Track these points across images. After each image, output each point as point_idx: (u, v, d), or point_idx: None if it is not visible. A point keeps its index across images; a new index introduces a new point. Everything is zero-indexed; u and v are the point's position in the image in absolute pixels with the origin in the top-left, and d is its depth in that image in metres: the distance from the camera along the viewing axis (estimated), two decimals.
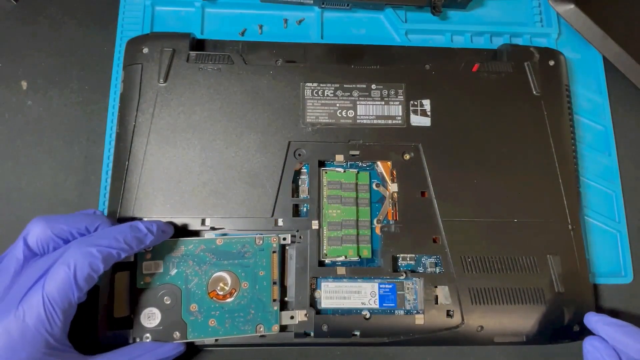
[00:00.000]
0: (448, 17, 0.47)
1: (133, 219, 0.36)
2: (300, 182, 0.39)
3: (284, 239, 0.36)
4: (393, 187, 0.39)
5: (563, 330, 0.37)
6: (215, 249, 0.35)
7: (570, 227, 0.38)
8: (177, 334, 0.33)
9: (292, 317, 0.35)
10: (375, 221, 0.38)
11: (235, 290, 0.35)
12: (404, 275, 0.37)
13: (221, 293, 0.34)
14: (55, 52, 0.43)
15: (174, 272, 0.34)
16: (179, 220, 0.36)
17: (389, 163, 0.39)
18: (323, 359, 0.38)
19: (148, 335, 0.33)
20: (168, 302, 0.34)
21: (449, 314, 0.36)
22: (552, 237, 0.38)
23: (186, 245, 0.35)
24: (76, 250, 0.28)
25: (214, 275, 0.35)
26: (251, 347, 0.37)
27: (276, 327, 0.34)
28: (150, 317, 0.34)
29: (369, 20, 0.46)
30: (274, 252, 0.35)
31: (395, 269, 0.37)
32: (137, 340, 0.34)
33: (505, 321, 0.36)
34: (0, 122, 0.42)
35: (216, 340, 0.35)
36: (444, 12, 0.46)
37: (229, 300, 0.34)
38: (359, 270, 0.37)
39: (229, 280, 0.35)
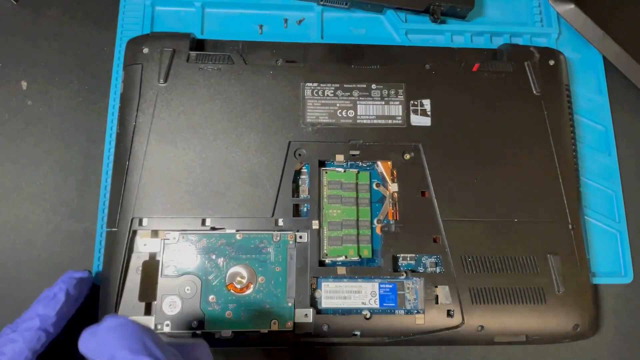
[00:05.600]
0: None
1: (133, 219, 0.36)
2: (300, 182, 0.39)
3: (300, 237, 0.37)
4: (393, 187, 0.39)
5: (563, 330, 0.37)
6: (235, 243, 0.36)
7: (570, 226, 0.38)
8: (195, 324, 0.34)
9: (306, 315, 0.35)
10: (375, 221, 0.38)
11: (252, 284, 0.35)
12: (404, 275, 0.37)
13: (238, 286, 0.35)
14: (55, 52, 0.43)
15: (195, 263, 0.36)
16: (179, 220, 0.36)
17: (389, 163, 0.39)
18: (323, 359, 0.38)
19: (168, 322, 0.34)
20: (188, 292, 0.35)
21: (449, 314, 0.36)
22: (552, 237, 0.38)
23: (208, 238, 0.36)
24: None
25: (232, 268, 0.36)
26: (251, 347, 0.37)
27: (290, 324, 0.35)
28: (172, 305, 0.35)
29: (369, 20, 0.46)
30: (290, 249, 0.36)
31: (396, 268, 0.37)
32: (159, 327, 0.34)
33: (506, 321, 0.36)
34: (0, 122, 0.42)
35: (232, 333, 0.35)
36: None
37: (245, 293, 0.35)
38: (359, 270, 0.37)
39: (246, 274, 0.35)
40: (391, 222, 0.38)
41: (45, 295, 0.32)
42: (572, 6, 0.43)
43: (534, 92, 0.40)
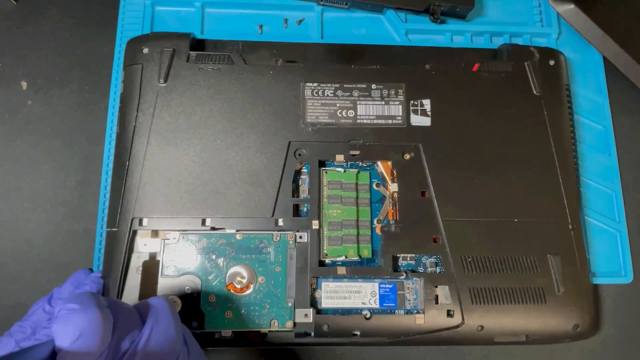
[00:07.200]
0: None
1: (133, 219, 0.36)
2: (300, 182, 0.39)
3: (300, 237, 0.37)
4: (393, 187, 0.39)
5: (563, 330, 0.37)
6: (235, 243, 0.36)
7: (570, 226, 0.38)
8: (195, 324, 0.35)
9: (306, 315, 0.35)
10: (375, 221, 0.38)
11: (252, 284, 0.35)
12: (404, 275, 0.37)
13: (238, 286, 0.35)
14: (55, 52, 0.43)
15: (195, 263, 0.36)
16: (179, 220, 0.36)
17: (389, 163, 0.39)
18: (323, 359, 0.39)
19: None
20: (189, 292, 0.35)
21: (449, 314, 0.36)
22: (552, 237, 0.38)
23: (208, 238, 0.36)
24: None
25: (232, 268, 0.36)
26: (251, 347, 0.37)
27: (290, 324, 0.35)
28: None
29: (369, 20, 0.46)
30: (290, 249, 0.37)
31: (396, 268, 0.37)
32: None
33: (506, 321, 0.36)
34: (0, 122, 0.42)
35: (232, 333, 0.35)
36: None
37: (245, 293, 0.35)
38: (359, 270, 0.37)
39: (246, 274, 0.36)
40: (391, 222, 0.38)
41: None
42: (572, 6, 0.43)
43: (534, 92, 0.40)
